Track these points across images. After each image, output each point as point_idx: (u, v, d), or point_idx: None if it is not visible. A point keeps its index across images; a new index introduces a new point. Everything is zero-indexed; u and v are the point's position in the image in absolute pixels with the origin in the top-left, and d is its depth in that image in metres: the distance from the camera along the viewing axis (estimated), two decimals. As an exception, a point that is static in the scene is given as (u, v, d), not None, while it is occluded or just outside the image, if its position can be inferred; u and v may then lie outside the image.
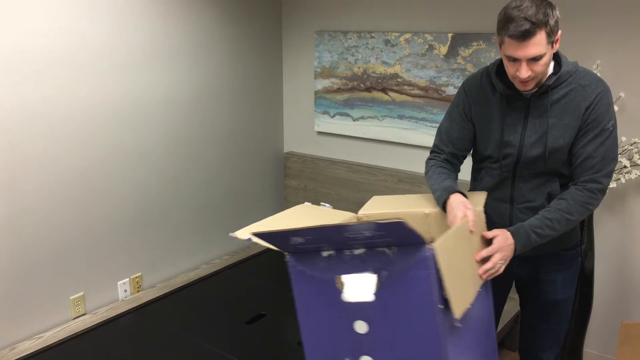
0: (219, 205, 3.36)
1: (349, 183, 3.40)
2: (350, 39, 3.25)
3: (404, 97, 3.13)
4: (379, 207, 1.85)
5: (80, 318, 2.70)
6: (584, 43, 2.57)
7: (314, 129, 3.56)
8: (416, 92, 3.07)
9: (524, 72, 1.60)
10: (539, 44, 1.56)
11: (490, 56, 2.78)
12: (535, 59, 1.58)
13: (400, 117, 3.16)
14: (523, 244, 1.67)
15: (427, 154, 3.14)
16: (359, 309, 1.47)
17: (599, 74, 2.20)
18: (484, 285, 1.67)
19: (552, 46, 1.60)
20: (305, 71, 3.52)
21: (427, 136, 3.08)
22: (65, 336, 2.56)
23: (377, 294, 1.44)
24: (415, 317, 1.41)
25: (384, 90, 3.19)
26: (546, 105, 1.69)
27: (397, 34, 3.07)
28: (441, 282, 1.38)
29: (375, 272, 1.43)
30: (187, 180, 3.13)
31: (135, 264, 2.95)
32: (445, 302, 1.41)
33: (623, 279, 2.67)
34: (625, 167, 2.46)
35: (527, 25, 1.53)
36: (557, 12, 1.58)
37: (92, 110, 2.61)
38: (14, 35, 2.28)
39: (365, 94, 3.27)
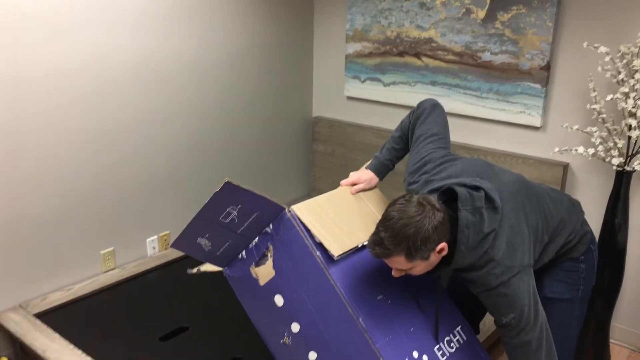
0: (245, 168, 3.36)
1: (377, 149, 3.36)
2: (384, 1, 3.17)
3: (437, 63, 3.06)
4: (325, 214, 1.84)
5: (110, 272, 2.75)
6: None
7: (344, 94, 3.51)
8: (450, 57, 3.00)
9: (395, 274, 1.57)
10: (397, 263, 1.50)
11: (530, 21, 2.69)
12: (404, 270, 1.54)
13: (433, 83, 3.10)
14: None
15: (459, 122, 3.08)
16: (272, 286, 1.72)
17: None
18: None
19: (429, 258, 1.51)
20: (336, 34, 3.46)
21: (459, 103, 3.02)
22: (95, 289, 2.61)
23: (274, 267, 1.70)
24: (306, 270, 1.65)
25: (417, 55, 3.12)
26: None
27: (433, -3, 3.00)
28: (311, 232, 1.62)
29: (267, 251, 1.73)
30: (214, 143, 3.13)
31: (164, 222, 2.98)
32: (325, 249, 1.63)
33: (656, 254, 2.62)
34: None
35: (377, 250, 1.48)
36: (430, 234, 1.46)
37: (121, 70, 2.60)
38: (49, -13, 2.28)
39: (398, 59, 3.20)
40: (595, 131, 2.49)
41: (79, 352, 2.16)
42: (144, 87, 2.71)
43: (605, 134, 2.50)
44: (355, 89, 3.43)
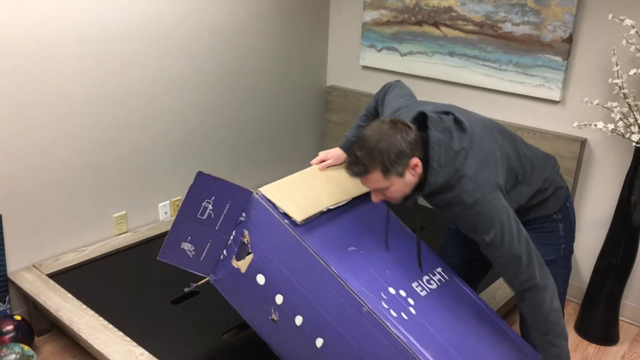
0: (256, 136, 3.34)
1: (391, 120, 3.33)
2: (404, -32, 3.10)
3: (456, 33, 2.99)
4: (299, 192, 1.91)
5: (122, 235, 2.77)
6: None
7: (359, 63, 3.46)
8: (470, 27, 2.94)
9: (374, 198, 1.63)
10: (374, 181, 1.57)
11: (553, -9, 2.62)
12: (382, 189, 1.59)
13: (451, 53, 3.04)
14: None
15: (476, 94, 3.03)
16: (252, 269, 1.81)
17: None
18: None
19: (404, 176, 1.56)
20: (353, 1, 3.40)
21: (478, 75, 2.97)
22: (107, 251, 2.63)
23: (252, 250, 1.80)
24: (277, 240, 1.75)
25: (435, 24, 3.06)
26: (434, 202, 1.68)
27: (454, -35, 2.92)
28: (289, 217, 1.72)
29: (244, 238, 1.82)
30: (227, 110, 3.11)
31: (176, 187, 2.98)
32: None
33: (671, 233, 2.58)
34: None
35: (354, 169, 1.56)
36: (403, 147, 1.52)
37: (137, 36, 2.57)
38: (63, -55, 2.24)
39: (416, 28, 3.14)
40: (616, 106, 2.44)
41: (92, 312, 2.19)
42: (158, 52, 2.68)
43: (626, 109, 2.45)
44: (371, 58, 3.37)
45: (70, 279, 2.42)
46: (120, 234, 2.77)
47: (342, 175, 1.94)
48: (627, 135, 2.40)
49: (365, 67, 3.46)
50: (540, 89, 2.78)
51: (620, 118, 2.42)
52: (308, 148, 3.68)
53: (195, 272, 1.92)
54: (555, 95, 2.74)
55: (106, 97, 2.54)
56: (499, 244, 1.58)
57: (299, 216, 1.72)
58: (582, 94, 2.69)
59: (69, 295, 2.29)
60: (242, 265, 1.85)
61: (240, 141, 3.24)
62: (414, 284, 1.75)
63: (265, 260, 1.79)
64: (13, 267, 2.42)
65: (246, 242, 1.83)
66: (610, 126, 2.41)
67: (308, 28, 3.42)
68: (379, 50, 3.33)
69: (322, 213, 1.79)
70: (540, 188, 1.79)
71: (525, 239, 1.61)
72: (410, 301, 1.69)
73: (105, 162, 2.63)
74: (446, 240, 2.11)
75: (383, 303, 1.62)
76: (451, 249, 2.07)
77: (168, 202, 2.96)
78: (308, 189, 1.84)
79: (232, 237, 1.86)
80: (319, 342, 1.71)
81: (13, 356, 2.08)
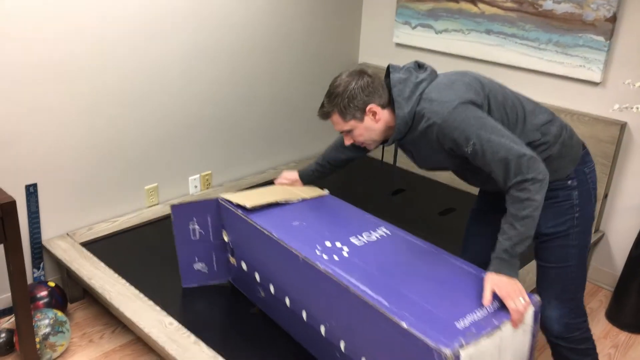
0: (285, 112, 3.32)
1: (424, 99, 3.27)
2: (443, -58, 3.01)
3: (494, 10, 2.91)
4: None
5: (153, 207, 2.80)
6: None
7: (392, 40, 3.41)
8: (509, 4, 2.85)
9: (345, 141, 1.79)
10: (337, 123, 1.74)
11: (599, -32, 2.52)
12: (349, 131, 1.75)
13: (488, 31, 2.96)
14: (508, 266, 1.55)
15: (511, 73, 2.96)
16: (238, 259, 2.13)
17: None
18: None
19: (363, 120, 1.69)
20: (389, -23, 3.33)
21: (515, 54, 2.89)
22: (139, 222, 2.67)
23: (231, 244, 2.13)
24: (239, 229, 2.03)
25: (473, 1, 2.98)
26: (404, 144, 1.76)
27: (495, -61, 2.83)
28: (242, 207, 2.00)
29: (224, 236, 2.16)
30: (259, 86, 3.10)
31: (207, 162, 3.00)
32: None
33: None
34: None
35: (319, 112, 1.75)
36: (357, 93, 1.66)
37: (169, 11, 2.57)
38: None
39: (452, 5, 3.07)
40: (660, 89, 2.35)
41: (123, 281, 2.23)
42: (189, 27, 2.67)
43: (671, 92, 2.36)
44: (405, 35, 3.31)
45: (103, 248, 2.46)
46: (151, 206, 2.80)
47: (297, 189, 2.18)
48: (670, 119, 2.32)
49: (398, 45, 3.40)
50: (580, 69, 2.69)
51: (664, 101, 2.33)
52: (338, 126, 3.65)
53: (218, 283, 2.25)
54: (596, 77, 2.65)
55: (141, 71, 2.55)
56: (481, 154, 1.56)
57: (248, 203, 1.99)
58: (623, 76, 2.60)
59: (102, 264, 2.33)
60: (234, 259, 2.16)
61: (270, 117, 3.23)
62: (352, 238, 1.85)
63: (241, 248, 2.07)
64: (47, 234, 2.48)
65: (227, 240, 2.15)
66: (653, 109, 2.33)
67: (341, 3, 3.37)
68: (414, 27, 3.26)
69: (271, 205, 2.03)
70: (553, 127, 1.71)
71: (509, 141, 1.55)
72: (345, 248, 1.79)
73: (138, 136, 2.65)
74: (467, 228, 2.06)
75: (317, 252, 1.76)
76: (473, 228, 2.03)
77: (198, 175, 2.98)
78: (263, 192, 2.12)
79: (224, 241, 2.18)
80: (287, 300, 1.91)
81: (47, 321, 2.13)
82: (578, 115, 2.71)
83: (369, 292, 1.55)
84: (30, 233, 2.41)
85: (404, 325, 1.42)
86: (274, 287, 1.95)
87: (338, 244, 1.80)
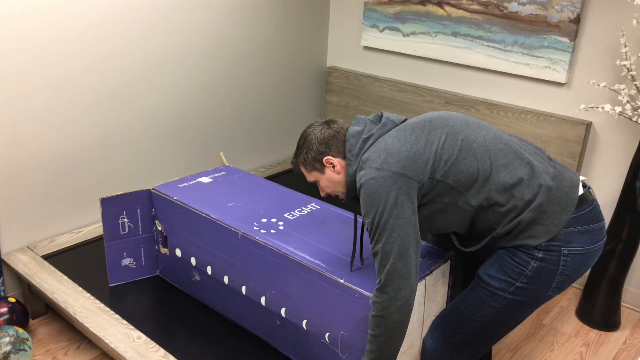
0: (255, 117, 3.28)
1: (392, 102, 3.27)
2: (408, -55, 3.02)
3: (461, 13, 2.93)
4: None
5: (118, 217, 2.72)
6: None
7: (360, 44, 3.39)
8: (475, 7, 2.87)
9: (320, 192, 1.75)
10: (305, 174, 1.73)
11: (561, -30, 2.55)
12: (314, 182, 1.82)
13: (455, 34, 2.97)
14: None
15: (479, 76, 2.98)
16: (172, 247, 2.22)
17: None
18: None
19: (324, 171, 1.67)
20: (355, -20, 3.32)
21: (482, 56, 2.91)
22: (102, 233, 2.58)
23: (165, 232, 2.21)
24: (178, 216, 2.11)
25: (439, 4, 2.99)
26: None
27: (460, -58, 2.84)
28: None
29: (158, 226, 2.23)
30: (224, 90, 3.04)
31: (170, 170, 2.93)
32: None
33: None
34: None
35: (291, 162, 1.75)
36: (314, 144, 1.65)
37: (135, 13, 2.50)
38: None
39: (419, 8, 3.07)
40: (624, 89, 2.39)
41: (87, 294, 2.15)
42: (155, 28, 2.61)
43: (634, 92, 2.40)
44: (373, 38, 3.31)
45: (66, 260, 2.37)
46: (116, 216, 2.72)
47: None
48: (634, 119, 2.35)
49: (366, 48, 3.39)
50: (545, 70, 2.72)
51: (627, 101, 2.37)
52: (307, 130, 3.62)
53: (146, 277, 2.27)
54: (561, 78, 2.68)
55: (101, 79, 2.48)
56: (370, 234, 1.50)
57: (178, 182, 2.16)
58: (588, 76, 2.64)
59: (65, 277, 2.24)
60: (166, 249, 2.23)
61: (237, 122, 3.18)
62: (286, 214, 2.04)
63: (176, 236, 2.16)
64: (7, 248, 2.38)
65: (160, 229, 2.21)
66: (618, 109, 2.36)
67: (308, 6, 3.34)
68: (381, 31, 3.26)
69: (204, 190, 2.17)
70: (524, 192, 1.51)
71: (402, 244, 1.45)
72: (280, 223, 1.98)
73: (100, 144, 2.57)
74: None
75: (254, 228, 1.93)
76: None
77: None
78: None
79: (154, 232, 2.25)
80: (226, 279, 2.02)
81: (7, 339, 2.04)
82: (545, 115, 2.74)
83: (308, 257, 1.78)
84: (-12, 247, 2.31)
85: (342, 281, 1.67)
86: (212, 268, 2.06)
87: (273, 220, 2.00)
